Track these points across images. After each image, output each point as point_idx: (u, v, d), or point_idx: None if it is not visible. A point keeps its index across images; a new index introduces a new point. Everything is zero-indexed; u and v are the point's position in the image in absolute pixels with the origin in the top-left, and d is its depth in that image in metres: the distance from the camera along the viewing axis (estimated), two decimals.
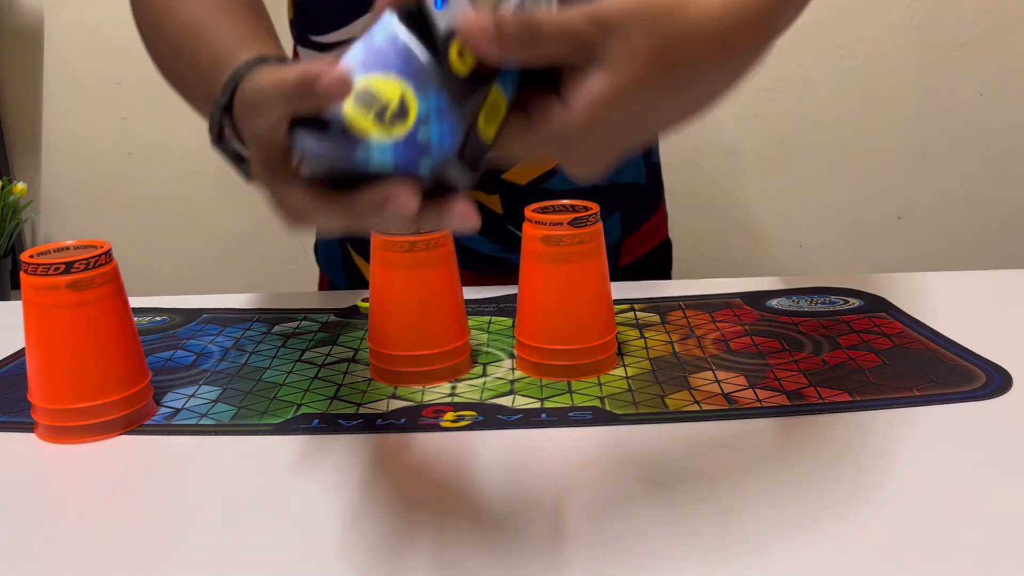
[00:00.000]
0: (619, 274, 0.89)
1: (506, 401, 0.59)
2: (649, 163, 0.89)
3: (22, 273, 0.54)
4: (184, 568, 0.42)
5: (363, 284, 0.87)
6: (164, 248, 1.86)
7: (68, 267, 0.53)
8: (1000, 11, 1.71)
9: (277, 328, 0.74)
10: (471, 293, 0.78)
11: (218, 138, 0.51)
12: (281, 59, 0.52)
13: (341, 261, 0.89)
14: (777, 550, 0.42)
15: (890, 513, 0.44)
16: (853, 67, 1.73)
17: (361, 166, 0.37)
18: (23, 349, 0.60)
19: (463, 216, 0.39)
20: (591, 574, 0.40)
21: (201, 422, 0.57)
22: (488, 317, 0.75)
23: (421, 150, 0.38)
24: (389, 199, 0.37)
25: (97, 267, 0.54)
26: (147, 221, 1.84)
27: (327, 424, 0.56)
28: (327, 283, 0.94)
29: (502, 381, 0.62)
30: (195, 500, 0.48)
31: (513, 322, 0.70)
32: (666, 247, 0.95)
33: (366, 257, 0.86)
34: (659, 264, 0.94)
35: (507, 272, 0.85)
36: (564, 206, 0.63)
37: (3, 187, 1.68)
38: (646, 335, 0.69)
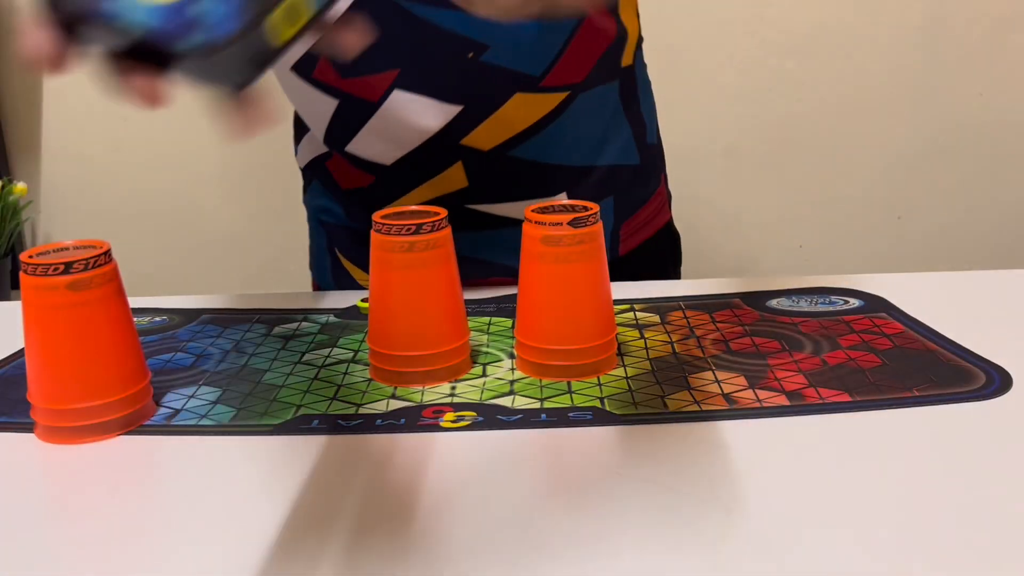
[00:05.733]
0: (620, 263, 0.84)
1: (506, 401, 0.59)
2: (644, 144, 0.85)
3: (22, 273, 0.54)
4: (184, 568, 0.42)
5: (353, 287, 0.85)
6: (164, 248, 1.86)
7: (68, 267, 0.53)
8: (1000, 11, 1.71)
9: (277, 329, 0.74)
10: (471, 293, 0.78)
11: None
12: None
13: (330, 266, 0.87)
14: (777, 550, 0.42)
15: (890, 513, 0.44)
16: (853, 67, 1.73)
17: (109, 19, 0.34)
18: (23, 349, 0.60)
19: (266, 119, 0.37)
20: (591, 574, 0.40)
21: (201, 423, 0.57)
22: (488, 317, 0.75)
23: (188, 24, 0.35)
24: (26, 36, 0.34)
25: (97, 267, 0.54)
26: (147, 221, 1.84)
27: (327, 425, 0.56)
28: (317, 289, 0.91)
29: (502, 381, 0.62)
30: (195, 501, 0.48)
31: (513, 322, 0.70)
32: (669, 234, 0.91)
33: (355, 261, 0.83)
34: (663, 252, 0.89)
35: (485, 276, 0.80)
36: (564, 206, 0.63)
37: (3, 187, 1.68)
38: (646, 335, 0.69)
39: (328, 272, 0.87)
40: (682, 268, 0.97)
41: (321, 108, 0.71)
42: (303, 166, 0.82)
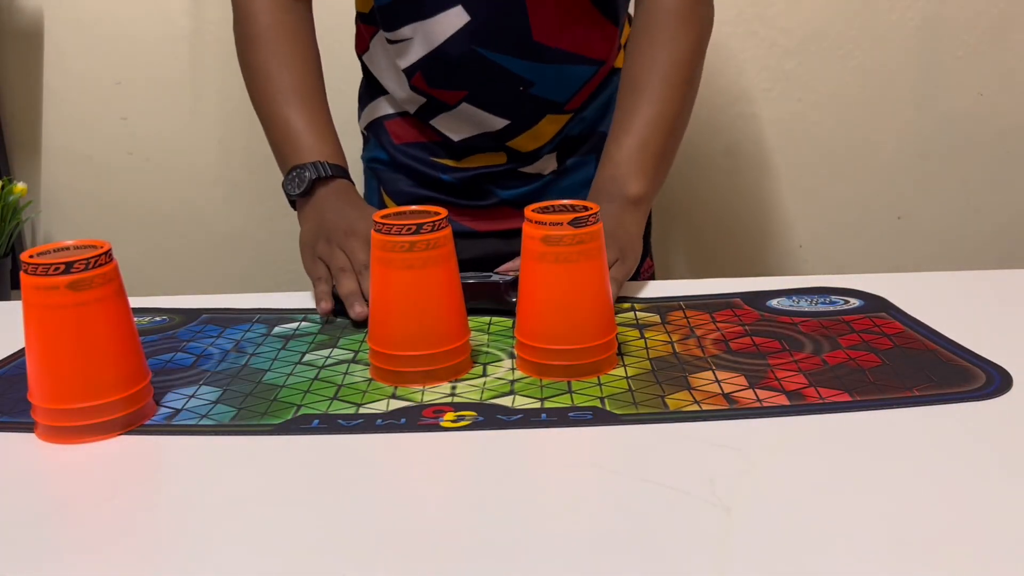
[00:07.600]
0: None
1: (506, 401, 0.59)
2: None
3: (22, 273, 0.54)
4: (184, 568, 0.42)
5: None
6: (164, 248, 1.86)
7: (68, 267, 0.53)
8: (1000, 11, 1.71)
9: (277, 329, 0.74)
10: None
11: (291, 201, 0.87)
12: (339, 166, 0.87)
13: (377, 204, 1.05)
14: (777, 550, 0.42)
15: (890, 513, 0.44)
16: (853, 67, 1.73)
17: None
18: (23, 349, 0.60)
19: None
20: (591, 574, 0.40)
21: (201, 423, 0.57)
22: (488, 317, 0.75)
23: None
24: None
25: (97, 267, 0.54)
26: (147, 221, 1.84)
27: (327, 424, 0.56)
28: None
29: (502, 381, 0.62)
30: (195, 500, 0.48)
31: (513, 322, 0.70)
32: None
33: (391, 194, 1.04)
34: None
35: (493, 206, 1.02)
36: (564, 206, 0.63)
37: (3, 187, 1.68)
38: (646, 335, 0.69)
39: (375, 194, 1.09)
40: (683, 267, 1.04)
41: (415, 101, 0.97)
42: (364, 127, 1.07)
